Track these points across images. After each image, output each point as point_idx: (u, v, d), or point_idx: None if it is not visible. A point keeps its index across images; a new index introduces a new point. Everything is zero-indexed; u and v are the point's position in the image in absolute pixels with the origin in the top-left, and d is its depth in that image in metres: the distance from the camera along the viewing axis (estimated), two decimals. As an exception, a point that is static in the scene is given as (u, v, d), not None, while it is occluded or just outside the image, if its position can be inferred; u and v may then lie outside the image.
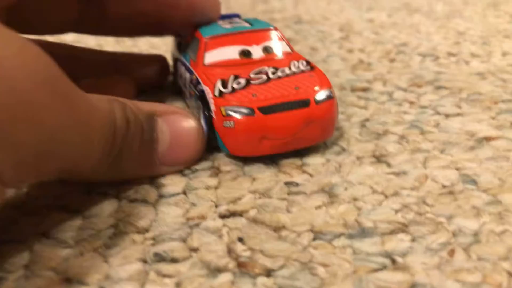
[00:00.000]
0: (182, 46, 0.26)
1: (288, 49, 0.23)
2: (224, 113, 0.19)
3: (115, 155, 0.16)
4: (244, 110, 0.19)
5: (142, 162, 0.18)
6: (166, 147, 0.18)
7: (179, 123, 0.19)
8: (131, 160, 0.17)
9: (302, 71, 0.21)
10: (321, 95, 0.20)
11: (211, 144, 0.20)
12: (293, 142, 0.19)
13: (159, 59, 0.29)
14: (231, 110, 0.19)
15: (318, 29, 0.42)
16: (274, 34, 0.23)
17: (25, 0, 0.21)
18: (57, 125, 0.13)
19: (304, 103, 0.19)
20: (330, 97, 0.20)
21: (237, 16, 0.26)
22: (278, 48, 0.23)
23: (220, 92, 0.19)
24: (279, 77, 0.20)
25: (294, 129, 0.19)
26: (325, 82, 0.20)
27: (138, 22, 0.25)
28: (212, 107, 0.19)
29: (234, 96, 0.19)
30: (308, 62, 0.22)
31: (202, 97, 0.20)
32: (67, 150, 0.14)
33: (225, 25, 0.24)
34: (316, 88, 0.20)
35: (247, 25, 0.23)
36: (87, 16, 0.24)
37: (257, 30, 0.23)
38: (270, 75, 0.20)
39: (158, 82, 0.29)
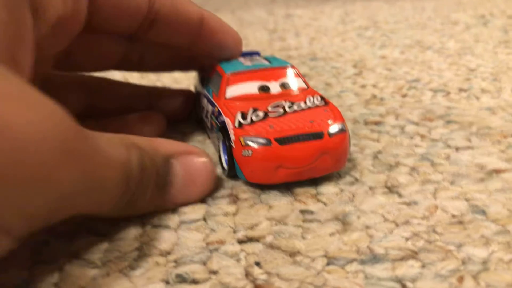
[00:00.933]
0: (205, 81, 0.27)
1: (304, 85, 0.24)
2: (243, 142, 0.20)
3: (127, 200, 0.17)
4: (261, 140, 0.20)
5: (154, 202, 0.19)
6: (178, 189, 0.19)
7: (193, 164, 0.20)
8: (143, 202, 0.18)
9: (317, 106, 0.22)
10: (334, 128, 0.21)
11: (231, 172, 0.21)
12: (307, 171, 0.20)
13: (186, 93, 0.30)
14: (250, 140, 0.20)
15: (332, 65, 0.43)
16: (291, 71, 0.25)
17: (75, 46, 0.22)
18: (71, 184, 0.14)
19: (318, 136, 0.20)
20: (342, 130, 0.21)
21: (257, 53, 0.28)
22: (294, 84, 0.24)
23: (240, 124, 0.21)
24: (295, 111, 0.22)
25: (309, 159, 0.20)
26: (338, 117, 0.22)
27: (171, 58, 0.27)
28: (232, 137, 0.21)
29: (252, 127, 0.21)
30: (322, 98, 0.23)
31: (223, 128, 0.22)
32: (80, 203, 0.15)
33: (246, 62, 0.25)
34: (330, 121, 0.21)
35: (266, 62, 0.25)
36: (130, 57, 0.26)
37: (275, 67, 0.24)
38: (287, 109, 0.22)
39: (184, 114, 0.30)
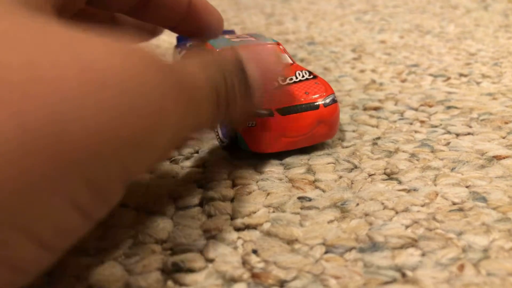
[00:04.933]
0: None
1: (290, 61, 0.25)
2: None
3: (222, 113, 0.17)
4: (264, 112, 0.21)
5: (246, 106, 0.18)
6: (258, 82, 0.19)
7: (260, 57, 0.19)
8: (237, 108, 0.18)
9: (307, 79, 0.23)
10: (327, 98, 0.22)
11: (230, 144, 0.22)
12: (306, 139, 0.22)
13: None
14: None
15: (331, 50, 0.43)
16: (277, 48, 0.25)
17: None
18: (178, 119, 0.14)
19: (315, 106, 0.22)
20: (334, 101, 0.22)
21: (233, 32, 0.29)
22: (283, 59, 0.25)
23: None
24: (289, 84, 0.22)
25: (308, 127, 0.21)
26: (328, 89, 0.23)
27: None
28: None
29: None
30: (310, 72, 0.24)
31: None
32: (187, 128, 0.15)
33: (233, 39, 0.25)
34: (323, 93, 0.22)
35: (253, 39, 0.25)
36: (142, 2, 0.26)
37: (263, 43, 0.25)
38: (280, 81, 0.22)
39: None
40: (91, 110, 0.11)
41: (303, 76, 0.23)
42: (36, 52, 0.11)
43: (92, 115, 0.11)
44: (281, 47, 0.25)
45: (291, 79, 0.23)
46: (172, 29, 0.25)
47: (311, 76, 0.23)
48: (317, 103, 0.22)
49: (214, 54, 0.18)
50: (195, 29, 0.25)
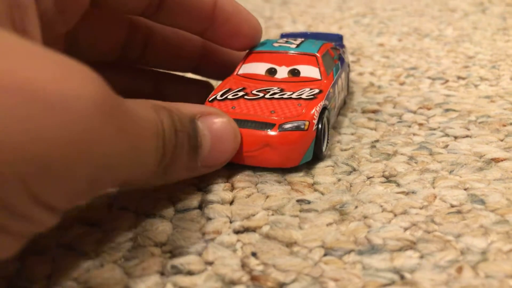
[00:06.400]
0: None
1: (318, 76, 0.23)
2: None
3: (165, 165, 0.16)
4: None
5: (188, 167, 0.18)
6: (208, 150, 0.18)
7: (217, 124, 0.19)
8: (179, 167, 0.17)
9: (300, 98, 0.22)
10: (289, 124, 0.20)
11: None
12: (249, 159, 0.20)
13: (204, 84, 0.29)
14: None
15: (329, 52, 0.43)
16: (311, 60, 0.24)
17: (80, 29, 0.21)
18: (111, 153, 0.13)
19: (267, 126, 0.20)
20: (299, 129, 0.20)
21: (340, 38, 0.31)
22: (306, 73, 0.24)
23: (214, 99, 0.22)
24: (271, 99, 0.22)
25: (248, 146, 0.20)
26: (307, 115, 0.20)
27: (177, 50, 0.26)
28: None
29: (218, 104, 0.21)
30: (319, 91, 0.22)
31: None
32: (120, 171, 0.14)
33: (279, 43, 0.25)
34: (290, 116, 0.20)
35: (294, 46, 0.25)
36: (133, 44, 0.25)
37: (297, 53, 0.24)
38: (267, 95, 0.22)
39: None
40: (7, 124, 0.10)
41: (300, 94, 0.22)
42: None
43: (4, 128, 0.10)
44: (317, 60, 0.24)
45: (283, 94, 0.22)
46: (202, 36, 0.24)
47: (311, 96, 0.22)
48: (271, 124, 0.20)
49: (170, 104, 0.17)
50: (225, 37, 0.24)
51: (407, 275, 0.15)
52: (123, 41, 0.24)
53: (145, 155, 0.15)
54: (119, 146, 0.13)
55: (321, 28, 0.53)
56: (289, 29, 0.53)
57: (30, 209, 0.12)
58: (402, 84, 0.33)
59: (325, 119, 0.22)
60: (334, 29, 0.52)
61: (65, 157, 0.11)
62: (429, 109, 0.28)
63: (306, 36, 0.31)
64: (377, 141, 0.24)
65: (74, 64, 0.12)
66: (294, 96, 0.22)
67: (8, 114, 0.10)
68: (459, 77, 0.34)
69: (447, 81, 0.34)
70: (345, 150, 0.23)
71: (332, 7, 0.65)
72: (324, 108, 0.22)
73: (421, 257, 0.16)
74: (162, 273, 0.15)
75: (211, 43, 0.25)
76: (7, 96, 0.10)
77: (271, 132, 0.20)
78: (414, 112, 0.28)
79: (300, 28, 0.54)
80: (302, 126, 0.20)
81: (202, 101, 0.22)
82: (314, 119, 0.21)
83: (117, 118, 0.13)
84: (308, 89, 0.22)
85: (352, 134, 0.25)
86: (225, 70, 0.26)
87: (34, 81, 0.11)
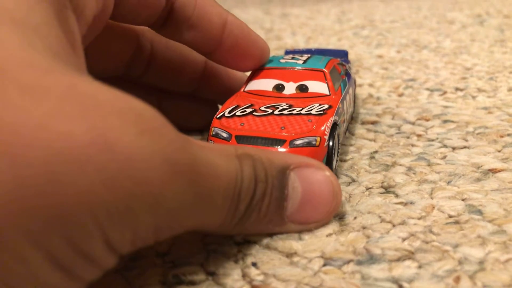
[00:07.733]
0: None
1: (326, 92, 0.23)
2: (212, 132, 0.21)
3: (240, 217, 0.16)
4: (224, 134, 0.21)
5: (269, 220, 0.17)
6: (296, 205, 0.17)
7: (313, 178, 0.17)
8: (258, 218, 0.16)
9: (309, 114, 0.21)
10: (299, 140, 0.20)
11: None
12: None
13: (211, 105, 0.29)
14: (216, 132, 0.21)
15: (329, 64, 0.43)
16: (318, 75, 0.24)
17: (88, 44, 0.21)
18: (180, 206, 0.13)
19: (278, 142, 0.20)
20: (310, 145, 0.20)
21: (345, 54, 0.30)
22: (315, 89, 0.23)
23: (222, 116, 0.22)
24: (281, 115, 0.21)
25: None
26: (318, 131, 0.20)
27: (180, 69, 0.26)
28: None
29: (227, 121, 0.21)
30: (329, 107, 0.22)
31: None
32: (187, 221, 0.14)
33: (285, 59, 0.25)
34: (301, 132, 0.20)
35: (301, 62, 0.25)
36: (137, 61, 0.25)
37: (304, 69, 0.24)
38: (276, 111, 0.21)
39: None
40: (87, 172, 0.11)
41: (309, 110, 0.21)
42: (56, 106, 0.11)
43: (85, 176, 0.11)
44: (325, 76, 0.24)
45: (292, 110, 0.21)
46: (209, 57, 0.24)
47: (321, 112, 0.21)
48: (282, 140, 0.20)
49: (263, 154, 0.16)
50: (232, 59, 0.24)
51: (406, 285, 0.15)
52: (128, 59, 0.25)
53: (215, 204, 0.14)
54: (188, 200, 0.13)
55: (321, 40, 0.54)
56: (289, 41, 0.54)
57: (101, 253, 0.12)
58: (400, 95, 0.34)
59: (336, 135, 0.21)
60: (333, 41, 0.53)
61: (135, 207, 0.12)
62: (427, 120, 0.29)
63: (311, 52, 0.31)
64: (376, 152, 0.25)
65: (151, 116, 0.13)
66: (303, 112, 0.21)
67: (87, 163, 0.11)
68: (457, 89, 0.35)
69: (445, 92, 0.34)
70: (345, 161, 0.24)
71: (331, 19, 0.66)
72: (334, 124, 0.21)
73: (419, 267, 0.16)
74: (163, 283, 0.16)
75: (213, 66, 0.25)
76: (87, 146, 0.11)
77: (282, 149, 0.20)
78: (413, 123, 0.28)
79: (300, 40, 0.54)
80: (314, 142, 0.20)
81: (206, 118, 0.22)
82: (326, 134, 0.20)
83: (189, 173, 0.13)
84: (317, 104, 0.22)
85: (352, 145, 0.26)
86: (225, 93, 0.26)
87: (111, 134, 0.11)
